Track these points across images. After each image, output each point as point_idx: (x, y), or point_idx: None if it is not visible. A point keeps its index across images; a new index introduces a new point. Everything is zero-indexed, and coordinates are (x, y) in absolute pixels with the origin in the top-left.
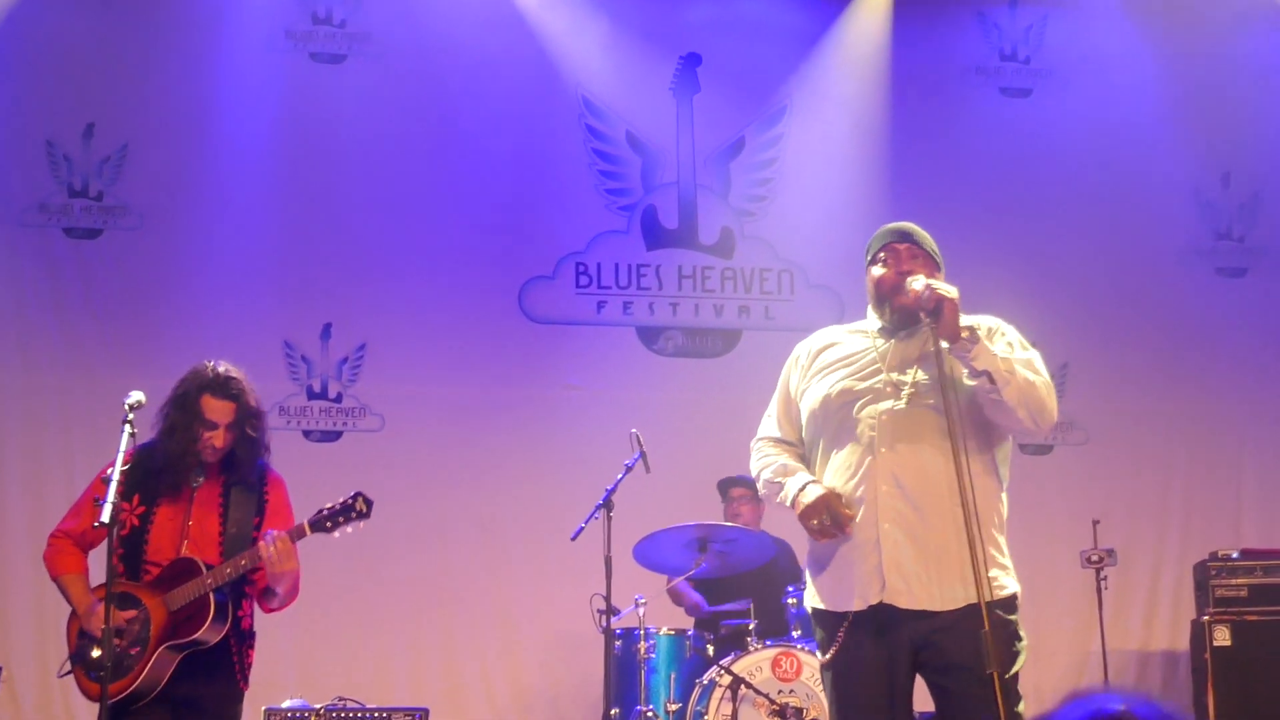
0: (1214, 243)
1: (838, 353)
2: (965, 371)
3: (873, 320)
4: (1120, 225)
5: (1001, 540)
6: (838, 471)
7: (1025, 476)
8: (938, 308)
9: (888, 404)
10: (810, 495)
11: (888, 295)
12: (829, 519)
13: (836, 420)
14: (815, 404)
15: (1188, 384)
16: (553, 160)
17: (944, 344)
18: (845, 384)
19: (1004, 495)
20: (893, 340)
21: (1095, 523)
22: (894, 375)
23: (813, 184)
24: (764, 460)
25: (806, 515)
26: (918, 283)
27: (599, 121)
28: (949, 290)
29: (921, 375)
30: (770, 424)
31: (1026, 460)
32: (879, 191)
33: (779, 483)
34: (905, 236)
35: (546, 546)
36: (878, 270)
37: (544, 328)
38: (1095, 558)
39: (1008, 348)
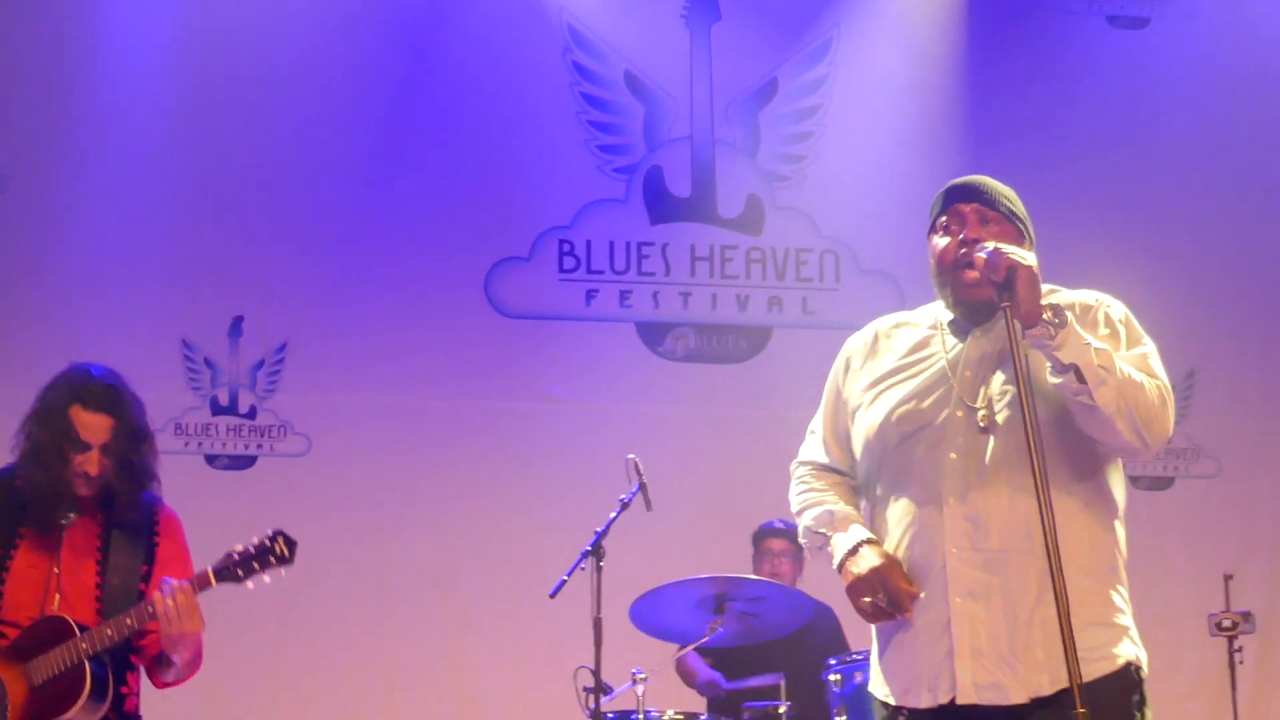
0: None
1: (897, 356)
2: (1048, 367)
3: (942, 310)
4: (1267, 198)
5: (1119, 592)
6: (896, 527)
7: (1137, 518)
8: (1008, 278)
9: (958, 435)
10: (863, 564)
11: (950, 274)
12: (884, 598)
13: (898, 458)
14: (870, 433)
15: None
16: (530, 108)
17: (1021, 332)
18: (906, 408)
19: (1120, 529)
20: (966, 338)
21: (1228, 578)
22: (965, 391)
23: (865, 140)
24: (805, 497)
25: (856, 591)
26: (984, 250)
27: (590, 58)
28: (1023, 255)
29: (1002, 388)
30: (815, 445)
31: (1138, 496)
32: (949, 150)
33: (823, 534)
34: (974, 194)
35: (519, 605)
36: (938, 240)
37: (518, 323)
38: (1228, 623)
39: (1109, 335)
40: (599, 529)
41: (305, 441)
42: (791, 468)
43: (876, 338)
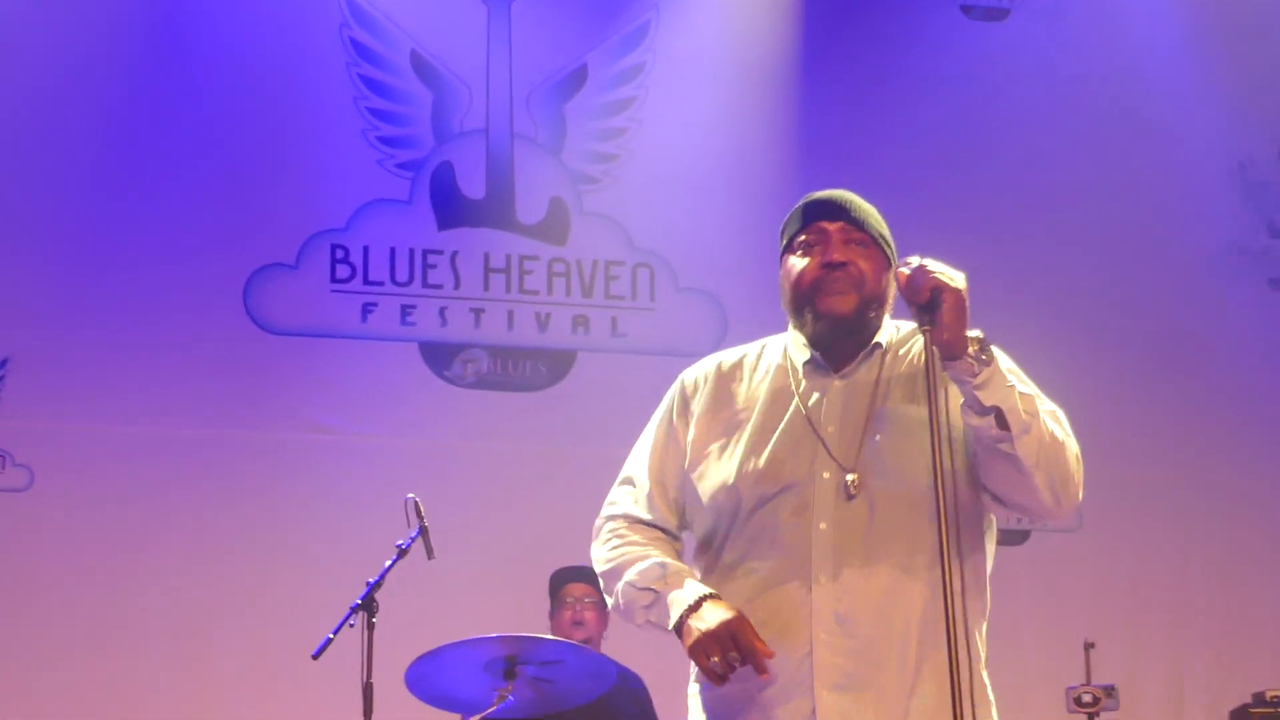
0: (1267, 241)
1: (750, 400)
2: (958, 405)
3: (795, 348)
4: (1133, 213)
5: (985, 673)
6: (750, 603)
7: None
8: (933, 300)
9: (828, 502)
10: (710, 619)
11: (808, 298)
12: (736, 656)
13: (754, 524)
14: (720, 491)
15: (1225, 444)
16: (299, 91)
17: (938, 362)
18: (766, 466)
19: (988, 597)
20: (826, 384)
21: (1089, 646)
22: (838, 448)
23: (686, 140)
24: (623, 552)
25: (702, 649)
26: (906, 266)
27: (371, 36)
28: (952, 276)
29: (885, 442)
30: (632, 497)
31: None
32: (783, 152)
33: (652, 591)
34: (839, 211)
35: (277, 667)
36: (795, 261)
37: (281, 341)
38: (1088, 697)
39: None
40: (371, 579)
41: (27, 475)
42: (598, 523)
43: (721, 375)
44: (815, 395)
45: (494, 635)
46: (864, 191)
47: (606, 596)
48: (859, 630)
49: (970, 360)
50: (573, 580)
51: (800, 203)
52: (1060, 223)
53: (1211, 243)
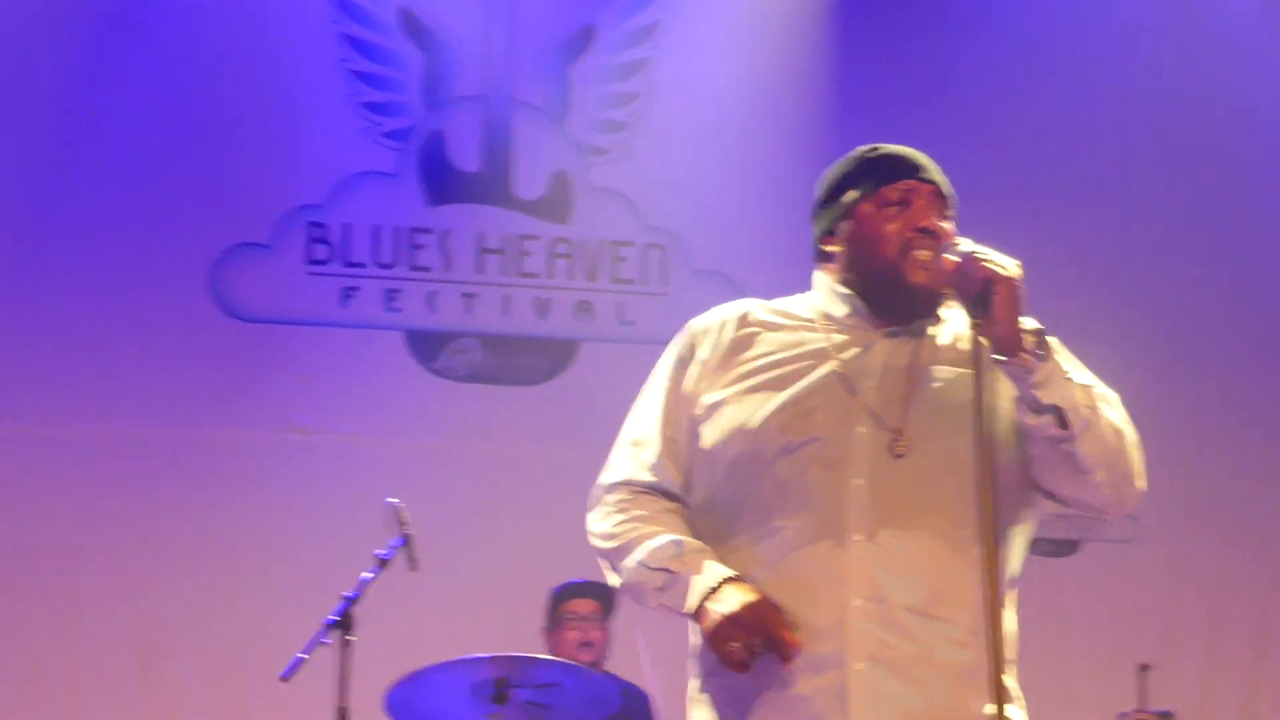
0: None
1: (770, 349)
2: (1013, 402)
3: (831, 301)
4: (1208, 176)
5: (1015, 687)
6: (773, 567)
7: (1031, 590)
8: (985, 292)
9: (863, 457)
10: (732, 601)
11: (890, 263)
12: (759, 643)
13: (778, 477)
14: (738, 441)
15: None
16: (276, 53)
17: (993, 355)
18: (792, 413)
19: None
20: (876, 340)
21: (1144, 669)
22: (877, 405)
23: (703, 107)
24: (630, 528)
25: (724, 634)
26: (956, 252)
27: None
28: (1005, 265)
29: (929, 407)
30: (639, 459)
31: (1033, 563)
32: (815, 120)
33: (667, 572)
34: (930, 174)
35: (242, 689)
36: (878, 215)
37: (252, 329)
38: None
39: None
40: (348, 593)
41: None
42: (596, 491)
43: (738, 323)
44: (853, 350)
45: (484, 655)
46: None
47: (609, 574)
48: (898, 597)
49: (1028, 357)
50: (579, 596)
51: (874, 151)
52: (1126, 192)
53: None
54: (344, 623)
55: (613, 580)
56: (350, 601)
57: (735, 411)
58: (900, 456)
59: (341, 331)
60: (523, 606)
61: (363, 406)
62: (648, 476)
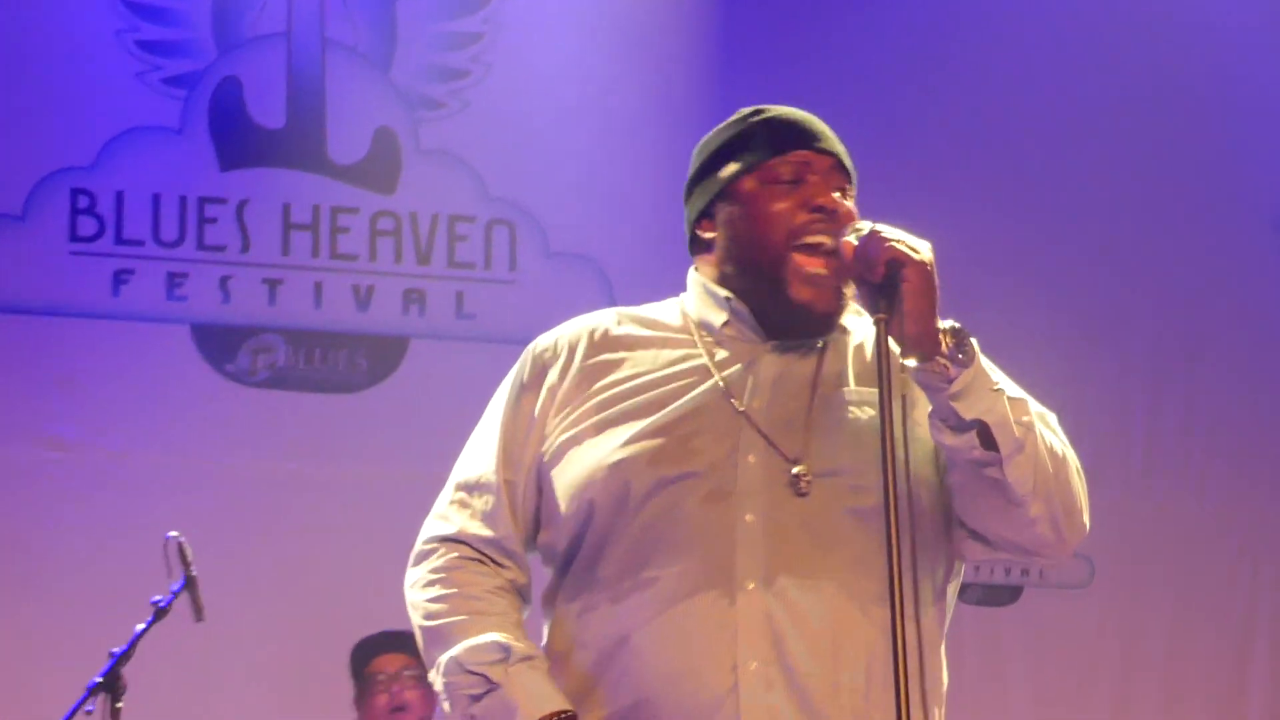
0: None
1: (640, 369)
2: (927, 418)
3: (705, 306)
4: (1161, 175)
5: None
6: (645, 626)
7: (961, 644)
8: (891, 279)
9: (754, 489)
10: None
11: (783, 254)
12: None
13: (651, 516)
14: (602, 475)
15: None
16: None
17: (903, 359)
18: (665, 441)
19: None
20: (762, 350)
21: None
22: (769, 429)
23: (565, 50)
24: (453, 608)
25: None
26: (856, 233)
27: None
28: (915, 246)
29: (833, 432)
30: (465, 508)
31: (965, 614)
32: (692, 72)
33: (484, 679)
34: (827, 142)
35: None
36: (765, 194)
37: (2, 321)
38: None
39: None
40: (117, 649)
41: None
42: (420, 547)
43: (592, 341)
44: (736, 366)
45: None
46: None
47: (426, 662)
48: (797, 659)
49: (943, 361)
50: (385, 651)
51: (760, 114)
52: (1063, 197)
53: (1264, 213)
54: (111, 685)
55: (429, 671)
56: (119, 659)
57: (593, 448)
58: (802, 495)
59: (112, 325)
60: (333, 664)
61: (138, 417)
62: (482, 531)
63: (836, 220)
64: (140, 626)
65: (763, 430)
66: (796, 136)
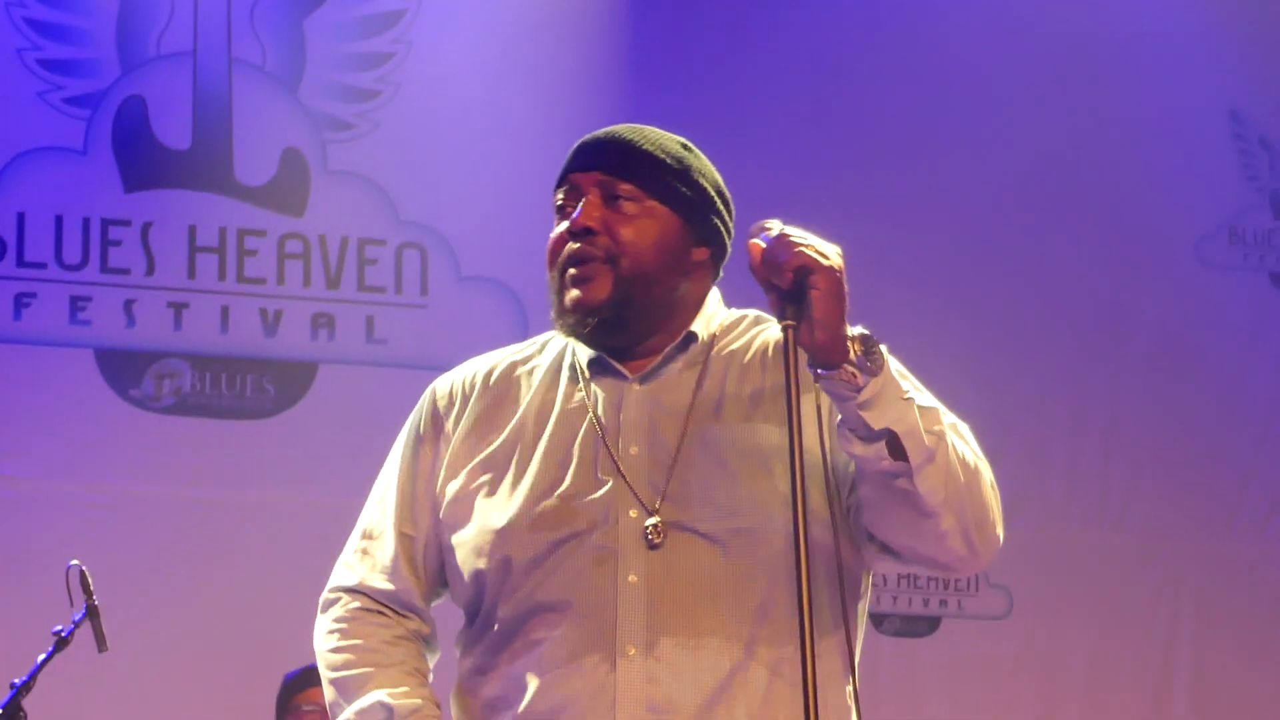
0: (1271, 224)
1: (524, 419)
2: (835, 428)
3: (580, 346)
4: (1085, 197)
5: None
6: (528, 691)
7: (876, 677)
8: (799, 284)
9: (637, 547)
10: None
11: (553, 282)
12: None
13: (538, 578)
14: (480, 544)
15: (1213, 495)
16: None
17: (808, 368)
18: (550, 502)
19: (851, 694)
20: (629, 388)
21: None
22: (637, 477)
23: (476, 71)
24: (348, 661)
25: None
26: (764, 236)
27: None
28: (824, 251)
29: (700, 473)
30: (369, 560)
31: (883, 646)
32: (608, 96)
33: None
34: (603, 153)
35: None
36: (556, 228)
37: None
38: None
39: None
40: (18, 680)
41: None
42: (326, 595)
43: (488, 385)
44: (610, 407)
45: None
46: (718, 143)
47: (329, 715)
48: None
49: (852, 369)
50: (309, 688)
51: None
52: (986, 210)
53: (1200, 226)
54: (11, 716)
55: None
56: (19, 690)
57: (480, 513)
58: (656, 547)
59: (14, 349)
60: (239, 695)
61: (40, 443)
62: (382, 584)
63: (586, 238)
64: (41, 657)
65: (636, 480)
66: (569, 163)
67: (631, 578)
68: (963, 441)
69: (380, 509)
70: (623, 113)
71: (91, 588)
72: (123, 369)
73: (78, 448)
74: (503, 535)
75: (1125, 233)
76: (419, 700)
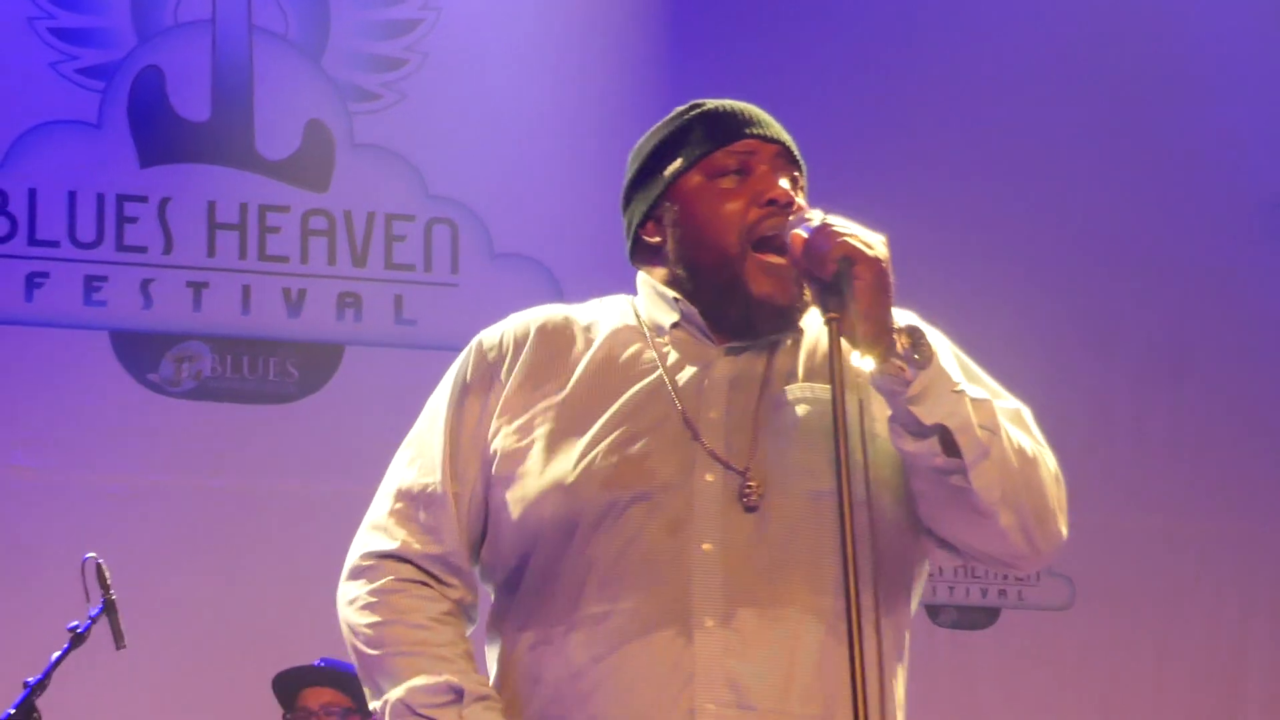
0: None
1: (592, 370)
2: (886, 422)
3: (656, 307)
4: (1153, 170)
5: None
6: (590, 664)
7: (934, 671)
8: (842, 274)
9: (712, 512)
10: None
11: (730, 256)
12: None
13: (599, 542)
14: (541, 500)
15: None
16: None
17: (857, 360)
18: (617, 459)
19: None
20: (714, 355)
21: None
22: (725, 442)
23: (508, 38)
24: (396, 637)
25: None
26: (805, 224)
27: None
28: (869, 239)
29: (784, 440)
30: (408, 520)
31: (939, 638)
32: (648, 62)
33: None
34: (774, 130)
35: None
36: (711, 191)
37: None
38: None
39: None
40: (31, 678)
41: None
42: (356, 560)
43: (541, 338)
44: (689, 370)
45: None
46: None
47: (366, 690)
48: (760, 700)
49: (899, 363)
50: (313, 684)
51: (697, 108)
52: (1055, 180)
53: (1251, 197)
54: (25, 715)
55: (370, 701)
56: (33, 689)
57: (541, 466)
58: (752, 510)
59: (25, 332)
60: (262, 693)
61: (54, 430)
62: (427, 547)
63: (788, 213)
64: (56, 654)
65: (716, 445)
66: (737, 125)
67: (706, 545)
68: (1021, 430)
69: (419, 467)
70: (662, 83)
71: (109, 582)
72: (140, 352)
73: (93, 435)
74: (567, 491)
75: (1194, 207)
76: (486, 687)
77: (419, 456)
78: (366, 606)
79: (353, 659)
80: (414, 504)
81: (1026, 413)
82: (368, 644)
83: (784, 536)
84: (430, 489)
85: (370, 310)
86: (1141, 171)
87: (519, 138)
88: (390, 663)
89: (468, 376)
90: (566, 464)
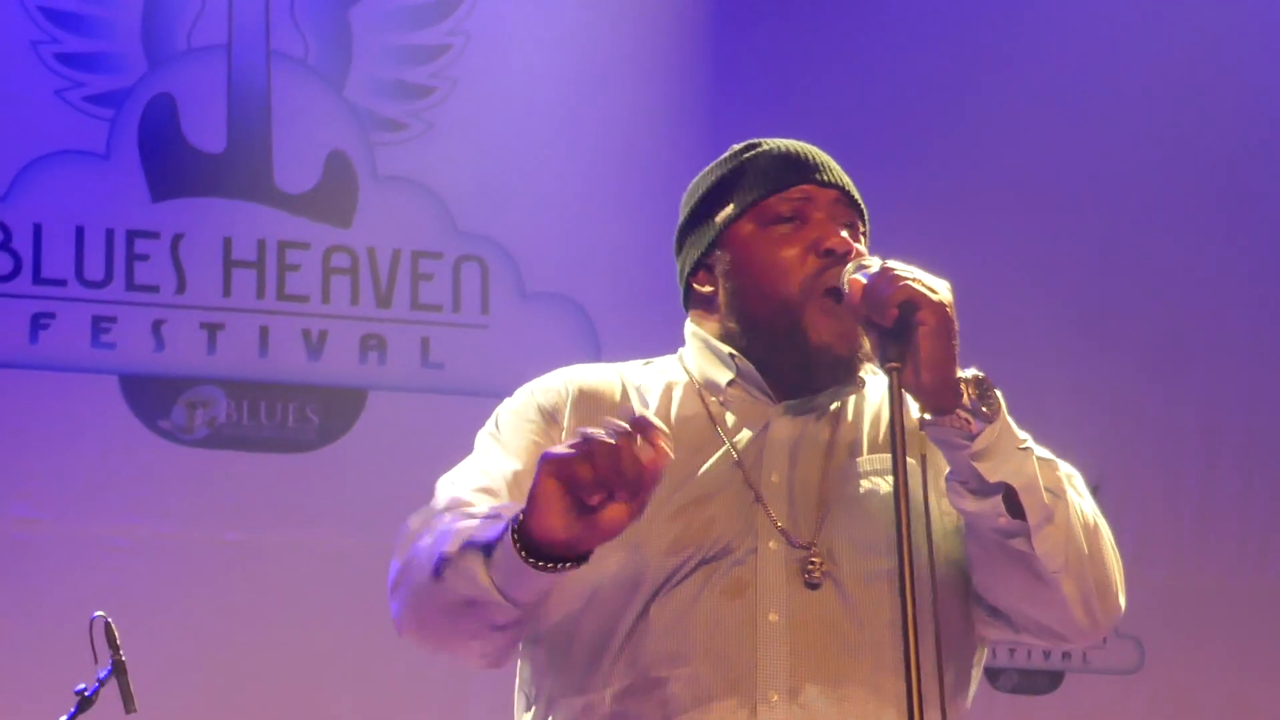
0: None
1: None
2: (944, 481)
3: (708, 362)
4: (1225, 201)
5: None
6: None
7: None
8: (905, 321)
9: (779, 581)
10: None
11: (788, 306)
12: (639, 442)
13: (657, 613)
14: (602, 555)
15: None
16: None
17: (916, 413)
18: (679, 528)
19: None
20: (773, 414)
21: None
22: (787, 509)
23: (541, 67)
24: (464, 524)
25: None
26: (864, 270)
27: None
28: (932, 285)
29: (850, 511)
30: (481, 496)
31: (1000, 703)
32: (686, 92)
33: (477, 544)
34: (833, 174)
35: None
36: (766, 238)
37: None
38: None
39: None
40: None
41: None
42: (413, 522)
43: (585, 394)
44: (746, 431)
45: None
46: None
47: (405, 613)
48: None
49: (964, 415)
50: None
51: (754, 149)
52: (1121, 207)
53: None
54: None
55: (431, 584)
56: None
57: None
58: (813, 586)
59: (29, 375)
60: None
61: (59, 480)
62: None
63: (849, 257)
64: (63, 719)
65: (778, 510)
66: (794, 169)
67: (773, 616)
68: (1082, 498)
69: (481, 473)
70: (702, 111)
71: (118, 642)
72: (151, 397)
73: (100, 486)
74: (633, 550)
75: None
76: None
77: (476, 475)
78: (417, 541)
79: (396, 600)
80: (474, 496)
81: (1080, 479)
82: (420, 551)
83: (846, 615)
84: (493, 489)
85: (395, 353)
86: (1221, 212)
87: (553, 171)
88: (452, 541)
89: (529, 413)
90: (638, 520)
